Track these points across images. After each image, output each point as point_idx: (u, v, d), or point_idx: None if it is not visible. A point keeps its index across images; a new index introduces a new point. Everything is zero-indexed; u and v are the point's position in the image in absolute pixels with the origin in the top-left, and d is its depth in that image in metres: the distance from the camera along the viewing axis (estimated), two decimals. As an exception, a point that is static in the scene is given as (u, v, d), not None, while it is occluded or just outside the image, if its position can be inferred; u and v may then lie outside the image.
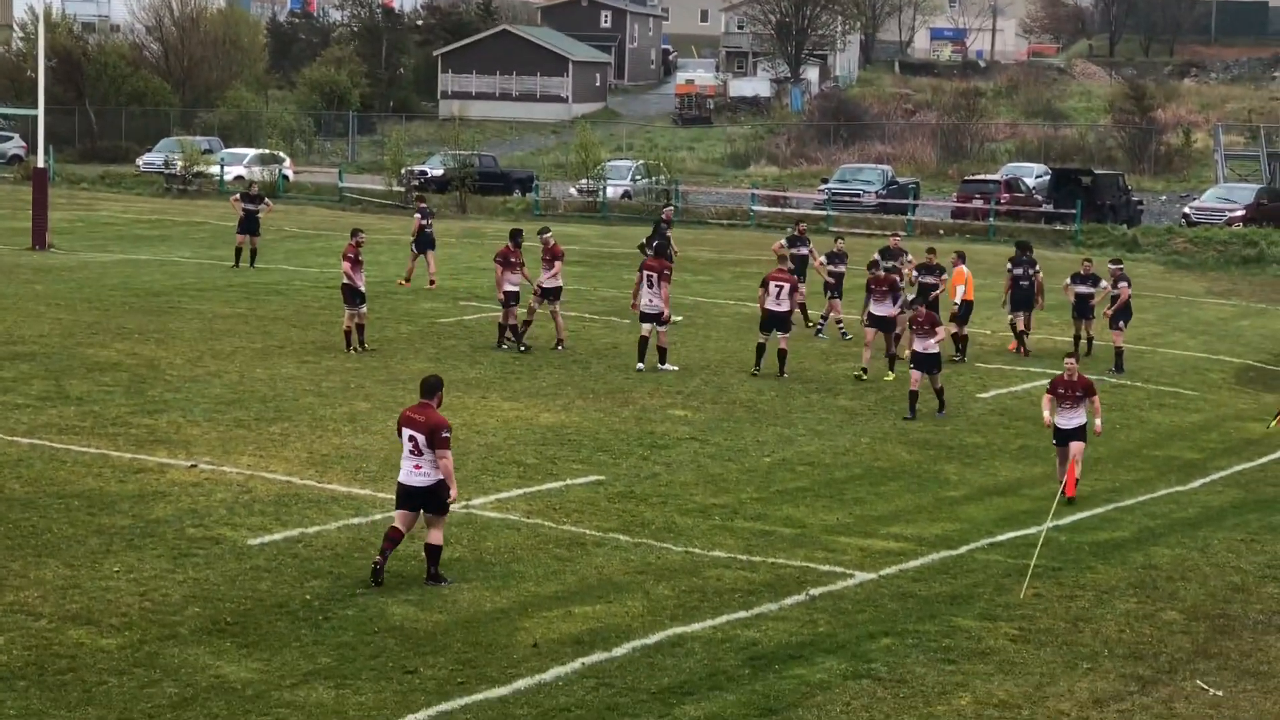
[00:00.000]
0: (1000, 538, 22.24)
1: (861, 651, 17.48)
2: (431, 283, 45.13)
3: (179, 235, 57.89)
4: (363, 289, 34.13)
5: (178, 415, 27.40)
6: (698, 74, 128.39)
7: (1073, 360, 24.67)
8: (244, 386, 30.04)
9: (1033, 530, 22.10)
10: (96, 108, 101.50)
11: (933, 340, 29.60)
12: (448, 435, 18.82)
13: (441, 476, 18.78)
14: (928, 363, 29.74)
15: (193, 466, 23.99)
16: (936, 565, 20.91)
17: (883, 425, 29.33)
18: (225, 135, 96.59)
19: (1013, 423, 29.94)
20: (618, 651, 17.11)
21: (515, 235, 35.80)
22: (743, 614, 18.54)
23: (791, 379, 32.90)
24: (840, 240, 39.99)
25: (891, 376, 33.12)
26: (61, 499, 21.99)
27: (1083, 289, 36.73)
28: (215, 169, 79.30)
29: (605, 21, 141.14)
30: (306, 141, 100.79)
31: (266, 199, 50.34)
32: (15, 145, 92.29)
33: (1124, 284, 35.91)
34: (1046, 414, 24.70)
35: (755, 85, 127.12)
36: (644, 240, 41.37)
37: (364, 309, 34.29)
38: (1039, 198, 71.63)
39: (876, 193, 73.59)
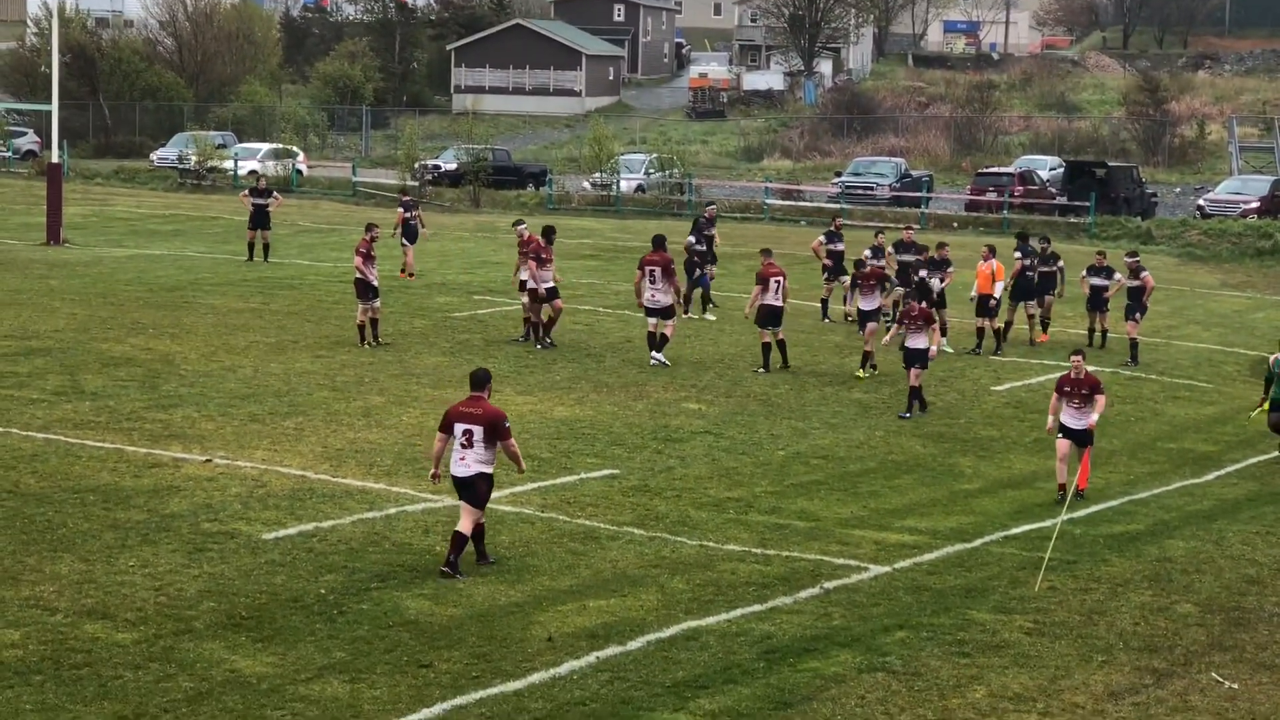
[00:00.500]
0: (1015, 531, 22.23)
1: (876, 645, 17.48)
2: (407, 273, 45.17)
3: (193, 230, 57.97)
4: (376, 284, 34.16)
5: (192, 410, 27.44)
6: (711, 67, 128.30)
7: (1079, 358, 24.01)
8: (258, 381, 30.08)
9: (1047, 523, 22.10)
10: (110, 103, 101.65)
11: (924, 336, 29.16)
12: (508, 425, 19.25)
13: (483, 469, 19.10)
14: (916, 358, 29.29)
15: (207, 461, 24.03)
16: (951, 558, 20.91)
17: (896, 418, 29.29)
18: (239, 130, 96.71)
19: (1027, 415, 29.90)
20: (632, 645, 17.12)
21: (548, 232, 35.31)
22: (757, 607, 18.55)
23: (806, 372, 32.87)
24: (880, 235, 39.34)
25: (864, 375, 32.63)
26: (77, 494, 22.04)
27: (1097, 281, 36.70)
28: (229, 164, 79.39)
29: (618, 15, 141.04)
30: (320, 136, 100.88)
31: (275, 193, 50.36)
32: (30, 140, 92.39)
33: (1146, 273, 35.83)
34: (1051, 420, 24.27)
35: (768, 79, 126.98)
36: (691, 238, 40.82)
37: (377, 303, 34.32)
38: (1053, 190, 71.56)
39: (890, 186, 73.52)
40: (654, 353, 32.85)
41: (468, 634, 17.29)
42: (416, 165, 75.45)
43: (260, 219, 48.41)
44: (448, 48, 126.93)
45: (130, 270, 45.09)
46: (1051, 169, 79.14)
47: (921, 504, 23.61)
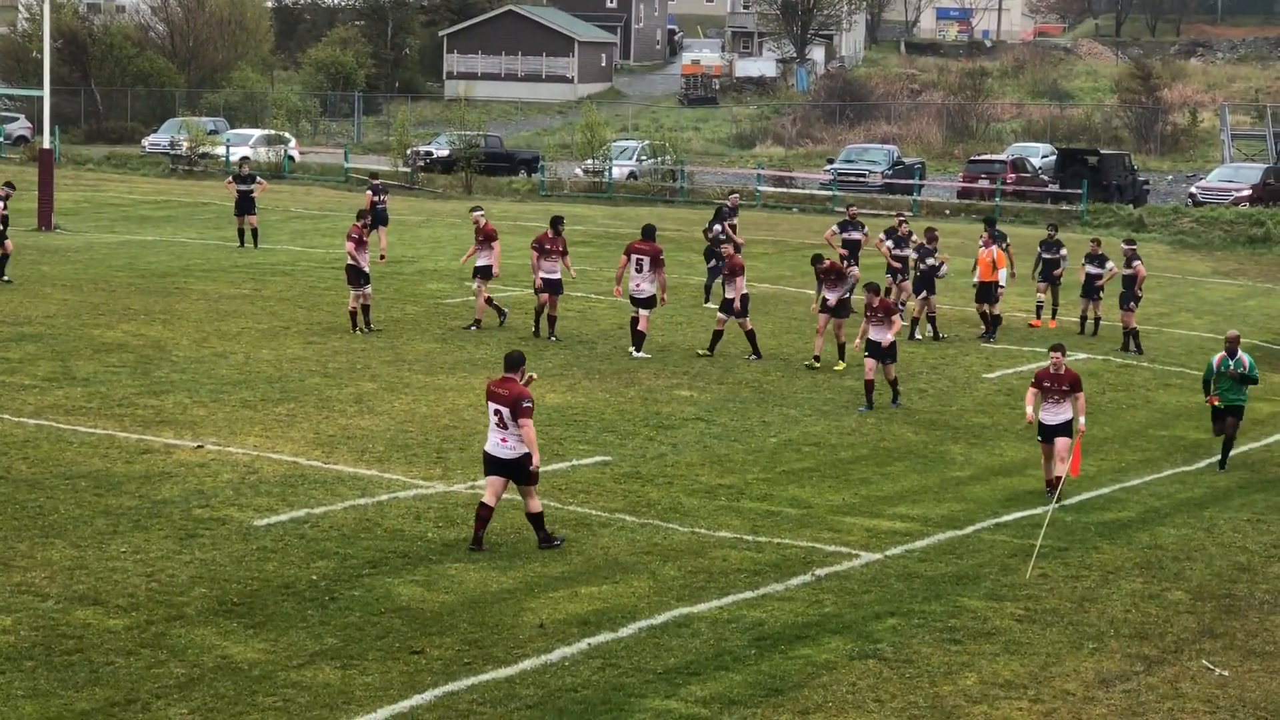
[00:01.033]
0: (1006, 518, 22.26)
1: (867, 632, 17.51)
2: (381, 257, 45.17)
3: (185, 216, 57.90)
4: (367, 269, 34.13)
5: (184, 396, 27.43)
6: (703, 54, 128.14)
7: (1058, 353, 23.45)
8: (250, 367, 30.07)
9: (1038, 510, 22.14)
10: (102, 88, 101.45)
11: (888, 329, 28.57)
12: (529, 405, 19.40)
13: (525, 449, 19.36)
14: (882, 352, 28.76)
15: (199, 447, 24.02)
16: (942, 545, 20.93)
17: (888, 405, 29.30)
18: (231, 116, 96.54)
19: (1019, 403, 29.87)
20: (624, 632, 17.14)
21: (556, 222, 34.90)
22: (749, 594, 18.57)
23: (799, 360, 32.87)
24: (904, 222, 38.29)
25: (842, 366, 32.29)
26: (68, 480, 22.03)
27: (1092, 269, 36.75)
28: (221, 150, 79.26)
29: (611, 2, 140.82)
30: (312, 122, 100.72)
31: (259, 178, 50.17)
32: (21, 126, 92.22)
33: (1138, 262, 35.84)
34: (1029, 410, 23.69)
35: (761, 65, 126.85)
36: (707, 226, 40.53)
37: (369, 289, 34.30)
38: (1045, 178, 71.55)
39: (882, 173, 73.52)
40: (636, 350, 32.54)
41: (459, 620, 17.30)
42: (409, 151, 75.35)
43: (246, 204, 48.38)
44: (440, 34, 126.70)
45: (122, 256, 45.04)
46: (1044, 156, 79.08)
47: (913, 491, 23.63)
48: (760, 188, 70.46)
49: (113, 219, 55.60)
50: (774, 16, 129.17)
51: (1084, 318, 37.53)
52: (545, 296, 34.13)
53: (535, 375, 21.23)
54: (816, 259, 33.53)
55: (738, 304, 32.61)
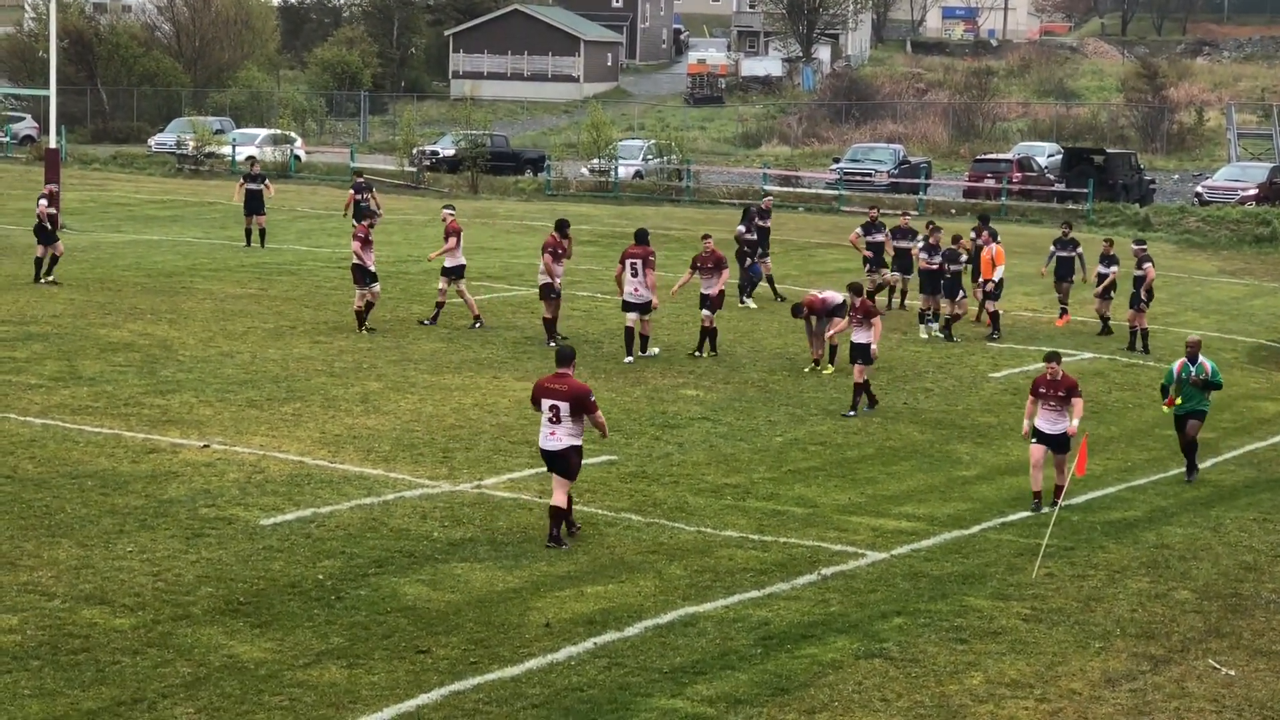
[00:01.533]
0: (1012, 517, 22.25)
1: (873, 631, 17.50)
2: None
3: (191, 215, 57.93)
4: (373, 268, 34.14)
5: (190, 395, 27.45)
6: (709, 53, 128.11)
7: (1053, 363, 22.80)
8: (256, 367, 30.08)
9: (1045, 510, 22.12)
10: (108, 88, 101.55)
11: (868, 331, 28.22)
12: (594, 399, 19.97)
13: (574, 442, 19.82)
14: (863, 354, 28.39)
15: (205, 447, 24.03)
16: (948, 545, 20.92)
17: (894, 404, 29.30)
18: (237, 115, 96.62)
19: (1024, 403, 29.87)
20: (630, 631, 17.13)
21: (562, 225, 34.10)
22: (755, 593, 18.56)
23: (803, 359, 32.84)
24: (938, 231, 37.88)
25: (830, 370, 31.87)
26: (75, 479, 22.04)
27: (1103, 269, 36.77)
28: (227, 149, 79.32)
29: (617, 1, 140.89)
30: (318, 122, 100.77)
31: (267, 179, 50.22)
32: (27, 125, 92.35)
33: (1148, 264, 35.80)
34: (1026, 424, 23.00)
35: (767, 65, 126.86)
36: (741, 227, 40.19)
37: (376, 288, 34.31)
38: (1051, 177, 71.51)
39: (888, 172, 73.49)
40: (638, 352, 32.12)
41: (465, 620, 17.30)
42: (415, 151, 75.37)
43: (255, 204, 48.42)
44: (446, 33, 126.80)
45: (128, 256, 45.06)
46: (1050, 155, 79.11)
47: (919, 490, 23.62)
48: (766, 187, 70.42)
49: (119, 219, 55.63)
50: (780, 16, 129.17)
51: (1105, 317, 37.51)
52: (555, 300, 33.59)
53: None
54: (796, 310, 32.15)
55: (714, 300, 32.55)
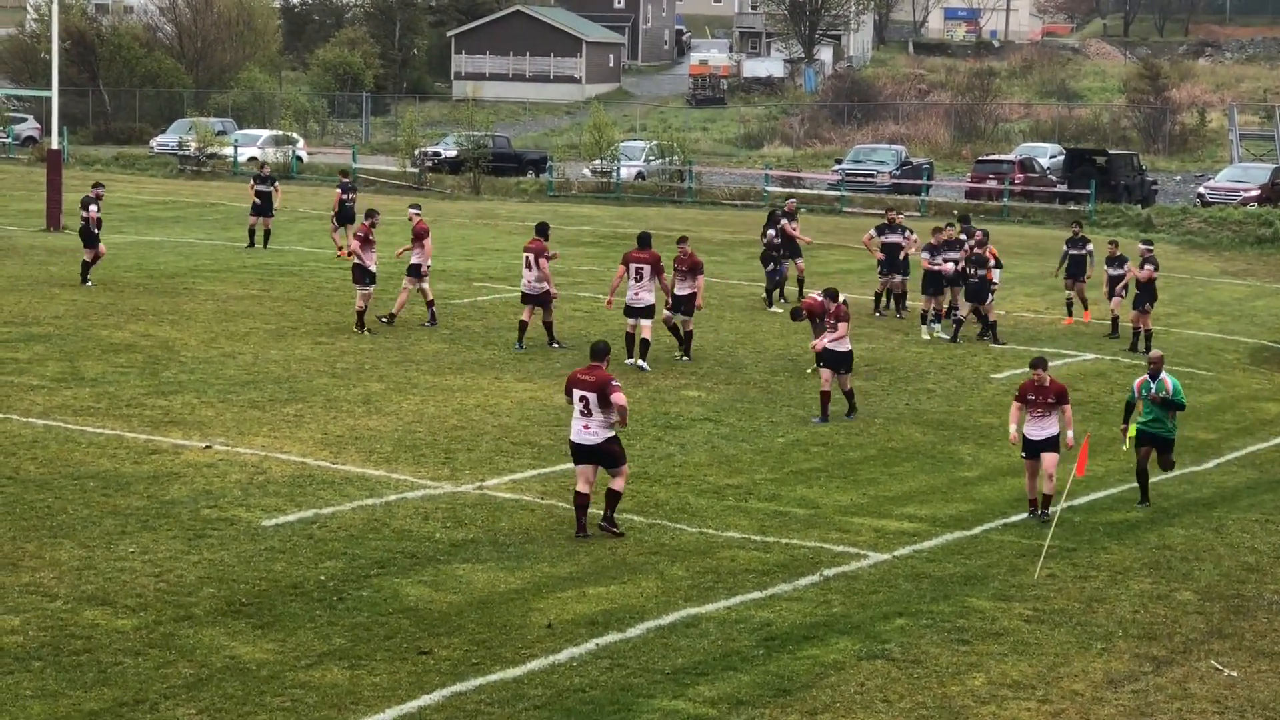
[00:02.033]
0: (1014, 518, 22.24)
1: (875, 632, 17.50)
2: (341, 251, 45.48)
3: (193, 217, 57.94)
4: (373, 269, 34.13)
5: (192, 396, 27.45)
6: (711, 54, 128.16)
7: (1039, 370, 22.36)
8: (258, 368, 30.08)
9: (1047, 511, 22.10)
10: (110, 89, 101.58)
11: (839, 336, 27.43)
12: (618, 383, 20.30)
13: (608, 434, 20.23)
14: (836, 360, 27.64)
15: (207, 448, 24.03)
16: (950, 546, 20.92)
17: (896, 406, 29.30)
18: (239, 117, 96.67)
19: (1027, 403, 29.89)
20: (632, 632, 17.13)
21: (543, 228, 33.78)
22: (757, 594, 18.56)
23: (805, 360, 32.82)
24: (950, 226, 38.08)
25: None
26: (76, 480, 22.04)
27: (1112, 271, 36.82)
28: (229, 150, 79.34)
29: (619, 2, 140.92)
30: (320, 123, 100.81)
31: (276, 182, 50.27)
32: (29, 127, 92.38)
33: (1149, 266, 35.80)
34: (1012, 429, 22.73)
35: (769, 66, 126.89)
36: (770, 231, 39.95)
37: (371, 289, 34.25)
38: (1053, 178, 71.54)
39: (890, 173, 73.51)
40: (640, 361, 31.57)
41: (467, 621, 17.30)
42: (416, 152, 75.41)
43: (264, 206, 48.50)
44: (448, 34, 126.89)
45: (130, 257, 45.06)
46: (1052, 156, 79.12)
47: (921, 491, 23.62)
48: (768, 188, 70.43)
49: (121, 220, 55.57)
50: (782, 17, 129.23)
51: (1115, 318, 37.51)
52: (534, 307, 33.15)
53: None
54: (795, 314, 32.32)
55: (699, 301, 32.19)
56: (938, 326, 36.48)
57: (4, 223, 52.68)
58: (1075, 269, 38.96)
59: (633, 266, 31.40)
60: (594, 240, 52.88)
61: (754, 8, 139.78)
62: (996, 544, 21.05)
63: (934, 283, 36.26)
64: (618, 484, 20.50)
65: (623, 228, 57.01)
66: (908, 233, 38.86)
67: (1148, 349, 35.30)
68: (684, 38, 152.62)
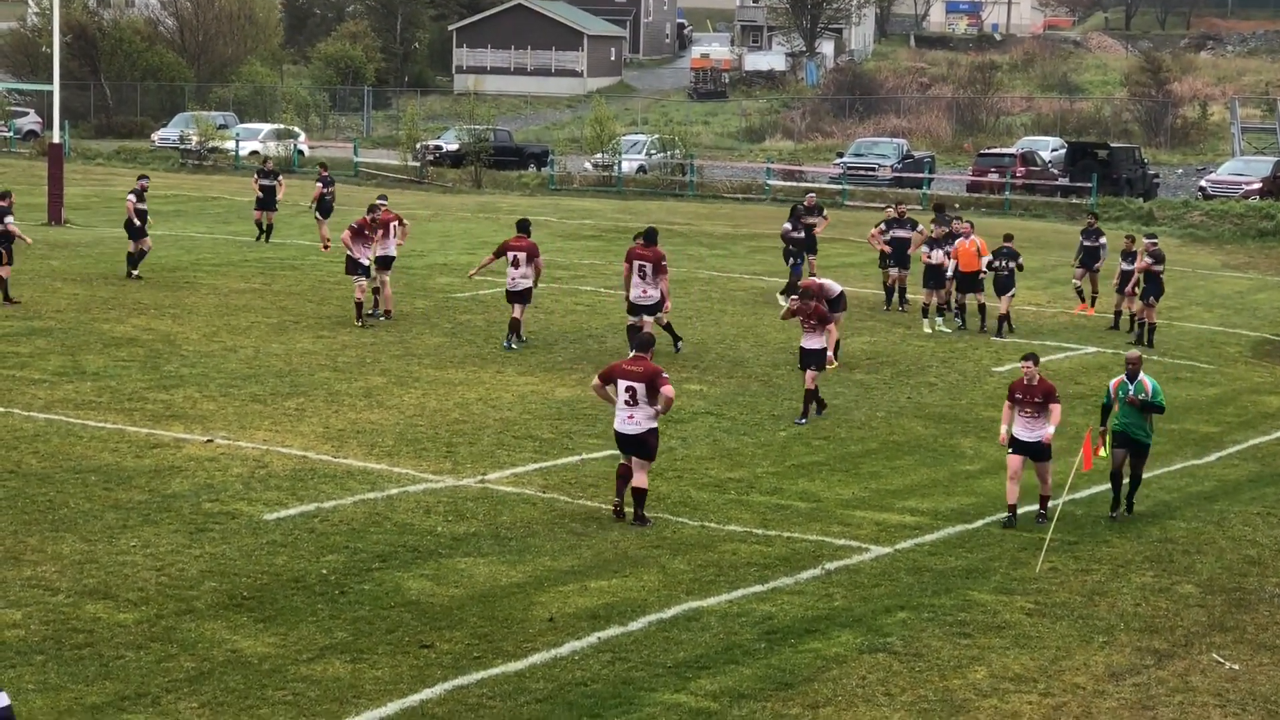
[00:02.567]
0: (1016, 512, 22.20)
1: (877, 625, 17.50)
2: (325, 247, 45.74)
3: (194, 210, 57.91)
4: (364, 262, 34.01)
5: (194, 390, 27.45)
6: (713, 48, 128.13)
7: (1029, 364, 21.84)
8: (260, 361, 30.08)
9: (1049, 506, 22.07)
10: (112, 83, 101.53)
11: (819, 337, 26.98)
12: (666, 375, 20.79)
13: (651, 425, 20.66)
14: (813, 359, 27.22)
15: (209, 441, 24.04)
16: (952, 539, 20.92)
17: (898, 399, 29.30)
18: (240, 110, 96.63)
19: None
20: (633, 626, 17.13)
21: (524, 225, 33.31)
22: (758, 588, 18.56)
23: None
24: (958, 220, 38.08)
25: (834, 365, 31.38)
26: (78, 474, 22.05)
27: (1125, 265, 36.82)
28: (230, 144, 79.32)
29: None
30: (321, 116, 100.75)
31: (280, 176, 50.26)
32: (31, 121, 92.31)
33: (1148, 258, 35.78)
34: (1003, 430, 21.98)
35: (770, 59, 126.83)
36: (788, 225, 39.80)
37: (363, 282, 34.18)
38: (1055, 171, 71.49)
39: (892, 167, 73.45)
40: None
41: (469, 614, 17.30)
42: (418, 146, 75.39)
43: (268, 200, 48.52)
44: (449, 28, 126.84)
45: (131, 250, 45.04)
46: (1053, 150, 79.07)
47: (923, 485, 23.61)
48: (770, 182, 70.41)
49: (122, 214, 55.45)
50: (783, 10, 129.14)
51: (1118, 312, 37.50)
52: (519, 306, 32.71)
53: None
54: (794, 290, 31.88)
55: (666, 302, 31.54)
56: (940, 320, 36.48)
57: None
58: (1089, 259, 39.32)
59: (637, 264, 31.12)
60: (595, 234, 52.87)
61: (755, 1, 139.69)
62: (998, 537, 21.04)
63: (935, 276, 36.26)
64: (640, 480, 20.80)
65: (624, 221, 57.00)
66: (918, 227, 38.84)
67: (1150, 342, 35.32)
68: (685, 31, 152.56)
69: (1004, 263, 36.19)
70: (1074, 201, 64.67)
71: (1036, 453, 21.71)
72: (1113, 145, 73.37)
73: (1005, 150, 75.48)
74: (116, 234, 48.75)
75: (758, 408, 28.00)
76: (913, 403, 29.12)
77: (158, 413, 25.75)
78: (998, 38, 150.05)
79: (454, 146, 76.93)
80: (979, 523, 21.66)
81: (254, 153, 75.56)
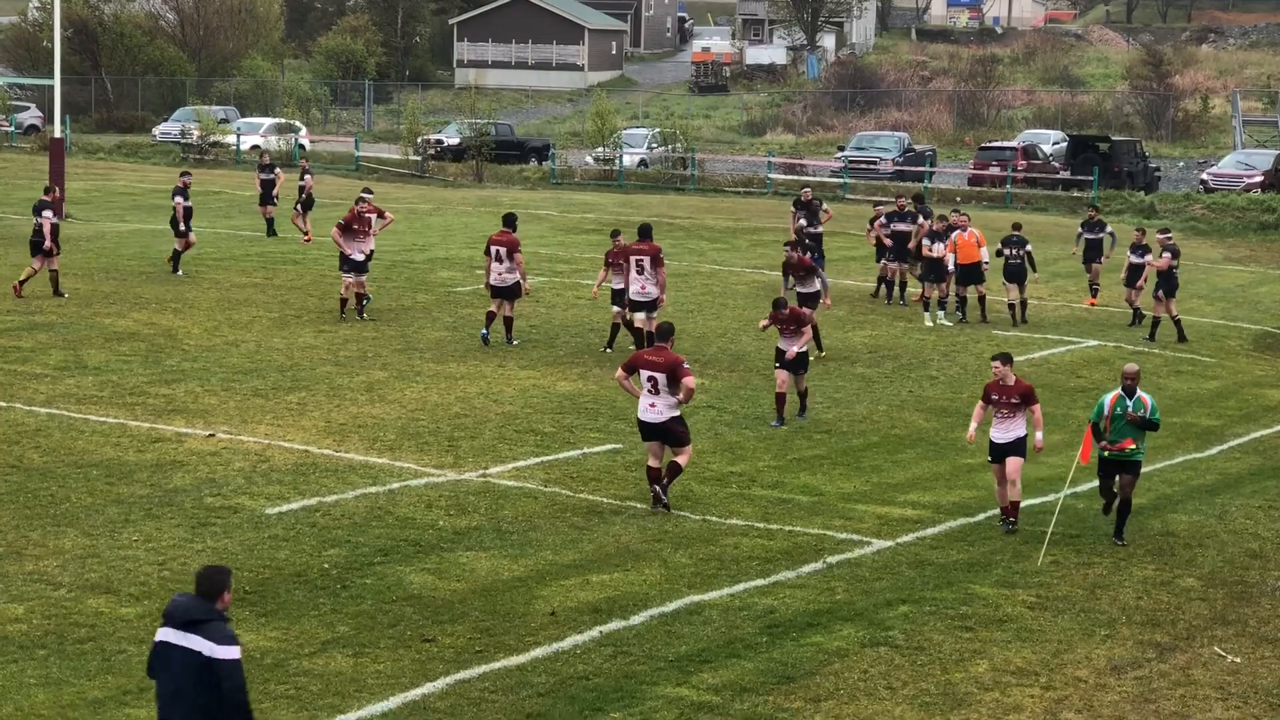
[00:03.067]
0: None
1: (879, 619, 17.51)
2: (307, 237, 46.59)
3: (195, 205, 57.34)
4: (354, 258, 33.81)
5: (195, 385, 27.46)
6: (714, 41, 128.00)
7: (1000, 364, 21.02)
8: (261, 356, 30.09)
9: (1050, 497, 22.08)
10: (113, 77, 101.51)
11: (799, 341, 26.35)
12: (688, 365, 21.05)
13: (674, 413, 20.94)
14: (793, 363, 26.42)
15: (210, 436, 24.05)
16: (954, 533, 20.92)
17: (899, 393, 29.30)
18: (241, 105, 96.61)
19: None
20: (635, 619, 17.14)
21: (510, 220, 32.68)
22: (760, 582, 18.57)
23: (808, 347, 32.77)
24: (958, 211, 38.10)
25: (820, 354, 30.94)
26: (80, 469, 22.06)
27: (1135, 259, 36.77)
28: (231, 138, 79.31)
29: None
30: (322, 111, 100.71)
31: (277, 168, 50.24)
32: (32, 115, 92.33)
33: (1167, 254, 35.76)
34: (971, 428, 21.52)
35: (771, 53, 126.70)
36: (803, 222, 39.76)
37: (350, 278, 34.00)
38: (1056, 165, 71.44)
39: (893, 160, 73.41)
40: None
41: (471, 608, 17.31)
42: (419, 140, 75.38)
43: (267, 195, 48.54)
44: (450, 22, 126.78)
45: (133, 245, 45.07)
46: (1055, 143, 78.97)
47: (924, 478, 23.62)
48: (771, 175, 70.39)
49: (124, 208, 55.65)
50: (784, 4, 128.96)
51: (1135, 308, 37.45)
52: (502, 301, 32.32)
53: None
54: (790, 245, 32.24)
55: (629, 298, 31.17)
56: (941, 313, 36.48)
57: (7, 211, 52.67)
58: (1092, 252, 39.32)
59: (634, 259, 30.66)
60: (596, 228, 52.83)
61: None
62: (1000, 531, 21.03)
63: (935, 270, 36.26)
64: (682, 458, 21.18)
65: (625, 215, 56.97)
66: (918, 220, 38.79)
67: (1152, 335, 35.27)
68: (686, 25, 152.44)
69: (1014, 250, 36.39)
70: (1075, 195, 64.63)
71: (1012, 450, 20.85)
72: (1114, 138, 73.32)
73: (1006, 144, 75.37)
74: (118, 229, 48.84)
75: (759, 401, 28.00)
76: (914, 396, 29.12)
77: (159, 407, 25.76)
78: (999, 31, 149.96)
79: (455, 141, 76.94)
80: (980, 516, 21.66)
81: (255, 147, 75.51)
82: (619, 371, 21.52)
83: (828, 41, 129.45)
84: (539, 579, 18.37)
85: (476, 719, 14.69)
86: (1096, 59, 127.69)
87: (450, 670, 15.61)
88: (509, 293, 31.89)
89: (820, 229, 39.74)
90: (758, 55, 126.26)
